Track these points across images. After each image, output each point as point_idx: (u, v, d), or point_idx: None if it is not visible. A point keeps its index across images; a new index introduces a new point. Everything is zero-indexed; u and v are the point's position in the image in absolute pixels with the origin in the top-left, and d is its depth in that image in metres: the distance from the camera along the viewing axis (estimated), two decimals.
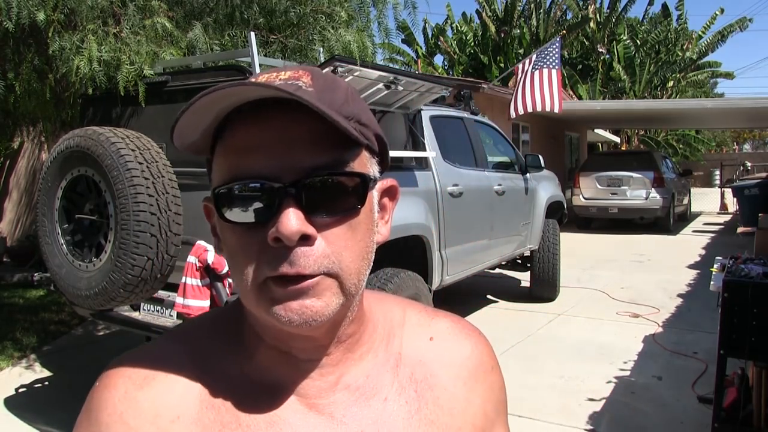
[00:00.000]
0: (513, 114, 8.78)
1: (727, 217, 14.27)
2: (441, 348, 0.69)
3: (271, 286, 0.54)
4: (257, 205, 0.54)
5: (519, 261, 6.16)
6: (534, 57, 8.85)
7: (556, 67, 8.72)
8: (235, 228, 0.55)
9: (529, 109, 8.64)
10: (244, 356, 0.62)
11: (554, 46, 8.79)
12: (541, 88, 8.59)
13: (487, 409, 0.69)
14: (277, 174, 0.53)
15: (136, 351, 0.64)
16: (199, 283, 2.79)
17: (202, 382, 0.60)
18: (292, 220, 0.52)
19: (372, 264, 0.60)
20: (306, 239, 0.53)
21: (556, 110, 8.76)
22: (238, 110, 0.55)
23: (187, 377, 0.60)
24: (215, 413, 0.59)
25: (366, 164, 0.58)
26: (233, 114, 0.55)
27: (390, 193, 0.64)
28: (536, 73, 8.65)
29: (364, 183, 0.56)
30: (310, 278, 0.53)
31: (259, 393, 0.60)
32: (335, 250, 0.55)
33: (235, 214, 0.55)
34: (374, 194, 0.60)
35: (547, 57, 8.72)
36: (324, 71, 0.60)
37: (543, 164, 5.77)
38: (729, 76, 22.58)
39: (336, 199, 0.55)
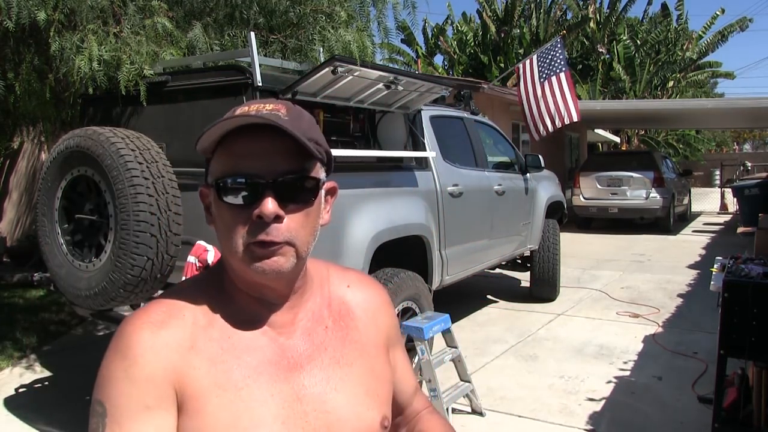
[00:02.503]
0: (536, 137, 8.61)
1: (727, 217, 14.27)
2: (355, 292, 1.00)
3: (252, 248, 0.80)
4: (247, 193, 0.79)
5: (519, 261, 6.16)
6: (535, 59, 8.60)
7: (564, 69, 8.45)
8: (230, 207, 0.81)
9: (550, 129, 8.43)
10: (227, 301, 0.87)
11: (557, 49, 8.51)
12: (554, 100, 8.34)
13: (390, 334, 1.02)
14: (263, 173, 0.79)
15: (144, 308, 0.85)
16: None
17: (202, 322, 0.84)
18: (270, 205, 0.78)
19: (317, 237, 0.87)
20: (278, 218, 0.79)
21: (575, 119, 8.50)
22: (239, 129, 0.80)
23: (190, 320, 0.83)
24: (215, 342, 0.83)
25: (318, 171, 0.85)
26: (234, 130, 0.81)
27: (331, 191, 0.92)
28: (546, 84, 8.39)
29: (317, 184, 0.84)
30: (278, 245, 0.80)
31: (242, 325, 0.86)
32: (295, 227, 0.81)
33: (231, 198, 0.80)
34: (321, 192, 0.87)
35: (554, 62, 8.44)
36: (293, 105, 0.85)
37: (543, 164, 5.76)
38: (729, 76, 22.54)
39: (299, 194, 0.82)
